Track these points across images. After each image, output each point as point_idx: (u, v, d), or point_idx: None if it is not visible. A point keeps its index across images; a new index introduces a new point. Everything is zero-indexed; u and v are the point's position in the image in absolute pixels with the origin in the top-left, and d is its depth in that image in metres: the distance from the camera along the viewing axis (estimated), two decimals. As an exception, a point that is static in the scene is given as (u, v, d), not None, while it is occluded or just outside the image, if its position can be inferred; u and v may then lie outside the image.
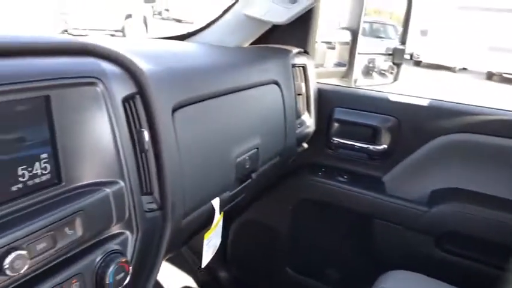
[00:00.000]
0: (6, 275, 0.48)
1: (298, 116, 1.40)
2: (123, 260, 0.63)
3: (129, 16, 10.08)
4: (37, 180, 0.56)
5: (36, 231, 0.52)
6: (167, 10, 19.97)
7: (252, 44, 1.40)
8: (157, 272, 0.78)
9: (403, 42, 1.92)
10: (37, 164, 0.55)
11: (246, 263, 1.86)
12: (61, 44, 0.61)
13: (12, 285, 0.51)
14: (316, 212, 1.64)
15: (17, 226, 0.50)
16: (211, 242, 1.03)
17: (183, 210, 0.84)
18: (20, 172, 0.53)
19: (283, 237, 1.71)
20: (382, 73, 1.94)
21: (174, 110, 0.80)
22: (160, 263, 0.79)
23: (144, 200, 0.72)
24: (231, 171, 1.00)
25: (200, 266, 1.07)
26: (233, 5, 1.32)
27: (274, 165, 1.26)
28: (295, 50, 1.41)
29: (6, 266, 0.47)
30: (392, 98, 1.49)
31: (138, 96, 0.72)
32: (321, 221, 1.65)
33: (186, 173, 0.82)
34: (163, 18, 19.30)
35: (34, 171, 0.55)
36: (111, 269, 0.61)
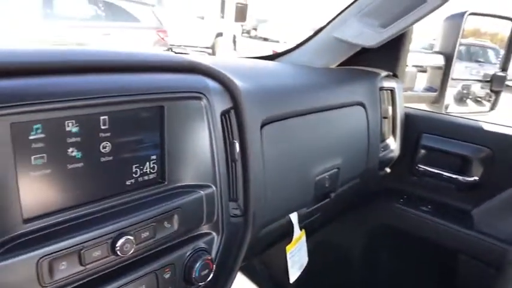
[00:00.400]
0: (117, 255, 0.56)
1: (383, 139, 1.38)
2: (209, 257, 0.69)
3: (219, 34, 10.71)
4: (146, 178, 0.65)
5: (142, 221, 0.60)
6: (255, 29, 20.82)
7: (339, 65, 1.43)
8: (235, 275, 0.84)
9: (504, 68, 1.79)
10: (147, 163, 0.64)
11: (314, 283, 1.85)
12: (174, 63, 0.70)
13: (120, 265, 0.60)
14: (394, 239, 1.58)
15: (128, 215, 0.59)
16: (294, 258, 1.06)
17: (262, 220, 0.88)
18: (134, 169, 0.63)
19: (357, 261, 1.67)
20: (477, 100, 1.82)
21: (263, 125, 0.85)
22: (238, 267, 0.85)
23: (230, 206, 0.78)
24: (310, 189, 1.02)
25: (270, 277, 1.10)
26: (324, 27, 1.36)
27: (354, 187, 1.26)
28: (384, 73, 1.40)
29: (118, 248, 0.56)
30: (487, 127, 1.39)
31: (232, 111, 0.79)
32: (399, 250, 1.59)
33: (269, 185, 0.87)
34: (250, 37, 20.15)
35: (144, 170, 0.64)
36: (198, 264, 0.68)
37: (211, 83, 0.74)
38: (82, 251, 0.53)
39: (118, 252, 0.56)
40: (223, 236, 0.75)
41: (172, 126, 0.66)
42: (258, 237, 0.90)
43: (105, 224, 0.56)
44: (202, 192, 0.69)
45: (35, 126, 0.50)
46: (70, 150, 0.54)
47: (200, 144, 0.70)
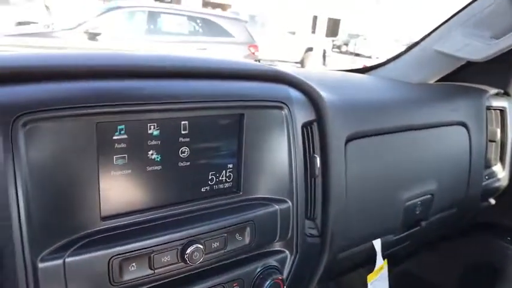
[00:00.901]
0: (186, 262, 0.55)
1: (488, 165, 1.21)
2: (280, 277, 0.65)
3: (309, 49, 10.74)
4: (221, 186, 0.63)
5: (214, 230, 0.58)
6: (346, 44, 20.47)
7: (438, 81, 1.29)
8: None
9: None
10: (224, 171, 0.63)
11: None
12: (259, 71, 0.69)
13: (188, 273, 0.58)
14: (494, 281, 1.37)
15: (200, 223, 0.58)
16: (376, 289, 0.97)
17: (341, 243, 0.82)
18: (210, 176, 0.62)
19: (447, 301, 1.47)
20: None
21: (348, 141, 0.79)
22: None
23: (306, 224, 0.73)
24: (398, 214, 0.93)
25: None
26: (422, 39, 1.25)
27: (449, 217, 1.11)
28: (493, 90, 1.23)
29: (187, 255, 0.55)
30: None
31: (315, 123, 0.74)
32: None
33: (351, 206, 0.80)
34: (341, 52, 19.85)
35: (220, 178, 0.63)
36: (267, 282, 0.64)
37: (294, 93, 0.71)
38: (152, 255, 0.53)
39: (187, 259, 0.55)
40: (297, 255, 0.71)
41: (250, 136, 0.63)
42: (335, 261, 0.83)
43: (177, 229, 0.55)
44: (277, 206, 0.66)
45: (119, 127, 0.51)
46: (150, 152, 0.55)
47: (278, 155, 0.67)
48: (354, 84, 1.08)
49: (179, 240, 0.55)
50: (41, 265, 0.46)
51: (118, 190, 0.53)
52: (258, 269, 0.65)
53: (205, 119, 0.59)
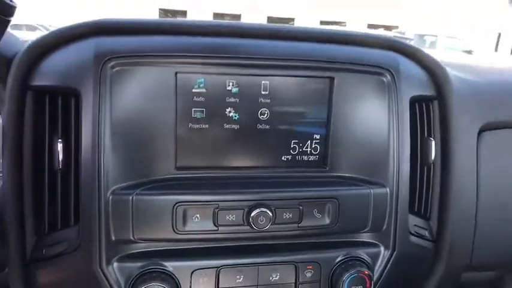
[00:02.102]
0: (251, 226, 0.52)
1: None
2: (366, 272, 0.55)
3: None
4: (304, 158, 0.58)
5: (286, 199, 0.53)
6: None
7: None
8: None
9: None
10: (309, 142, 0.57)
11: None
12: (368, 37, 0.61)
13: (256, 242, 0.55)
14: None
15: (271, 188, 0.54)
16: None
17: (467, 259, 0.65)
18: (292, 145, 0.57)
19: None
20: None
21: (482, 131, 0.63)
22: None
23: (411, 220, 0.60)
24: None
25: None
26: None
27: None
28: None
29: (252, 218, 0.51)
30: None
31: (435, 102, 0.62)
32: None
33: (484, 213, 0.63)
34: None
35: (304, 149, 0.57)
36: (348, 274, 0.54)
37: (404, 62, 0.60)
38: (217, 210, 0.51)
39: (252, 223, 0.51)
40: (393, 254, 0.59)
41: (342, 104, 0.56)
42: (454, 282, 0.67)
43: (246, 190, 0.53)
44: (370, 189, 0.56)
45: (198, 80, 0.53)
46: (228, 110, 0.54)
47: (376, 130, 0.57)
48: (500, 69, 0.87)
49: (246, 201, 0.52)
50: (112, 197, 0.49)
51: (194, 143, 0.54)
52: (340, 258, 0.56)
53: (289, 80, 0.55)
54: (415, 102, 0.60)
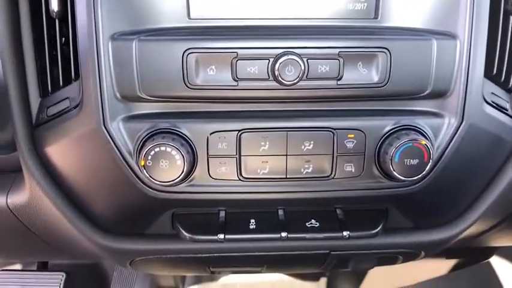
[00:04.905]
0: (277, 81, 0.42)
1: None
2: (423, 142, 0.43)
3: None
4: (349, 6, 0.45)
5: (323, 48, 0.42)
6: None
7: None
8: None
9: None
10: None
11: None
12: None
13: (283, 102, 0.45)
14: None
15: (306, 35, 0.43)
16: None
17: None
18: None
19: None
20: None
21: None
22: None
23: (487, 86, 0.47)
24: None
25: None
26: None
27: None
28: None
29: (278, 68, 0.41)
30: None
31: None
32: None
33: None
34: None
35: None
36: (400, 143, 0.43)
37: None
38: (235, 60, 0.42)
39: (278, 75, 0.41)
40: (462, 125, 0.46)
41: None
42: None
43: (271, 36, 0.43)
44: (433, 39, 0.43)
45: None
46: None
47: None
48: None
49: (271, 48, 0.42)
50: (111, 43, 0.42)
51: None
52: (389, 127, 0.45)
53: None
54: None
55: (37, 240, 0.58)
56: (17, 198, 0.52)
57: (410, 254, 0.57)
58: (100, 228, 0.51)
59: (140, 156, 0.43)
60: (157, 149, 0.42)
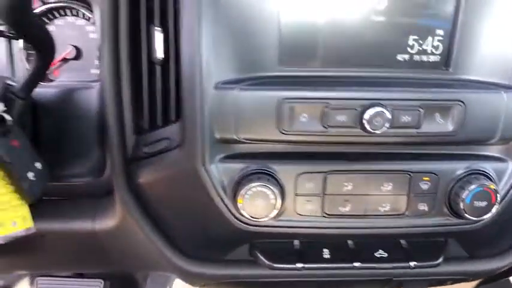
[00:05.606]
0: (364, 128, 0.46)
1: None
2: (491, 186, 0.48)
3: None
4: (424, 58, 0.50)
5: (406, 100, 0.47)
6: None
7: None
8: None
9: None
10: (430, 39, 0.49)
11: None
12: None
13: (366, 147, 0.50)
14: None
15: (390, 87, 0.47)
16: None
17: None
18: (411, 42, 0.49)
19: None
20: None
21: None
22: None
23: None
24: None
25: None
26: None
27: None
28: None
29: (367, 119, 0.45)
30: None
31: None
32: None
33: None
34: None
35: (424, 46, 0.49)
36: (472, 187, 0.48)
37: None
38: (325, 109, 0.46)
39: (366, 124, 0.46)
40: None
41: None
42: None
43: (359, 88, 0.47)
44: (503, 93, 0.48)
45: None
46: None
47: None
48: None
49: (360, 99, 0.46)
50: (215, 91, 0.46)
51: (298, 38, 0.48)
52: (462, 170, 0.50)
53: None
54: None
55: (106, 257, 0.61)
56: (105, 223, 0.55)
57: (461, 279, 0.62)
58: (184, 254, 0.55)
59: (237, 194, 0.47)
60: (254, 189, 0.46)
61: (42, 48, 0.49)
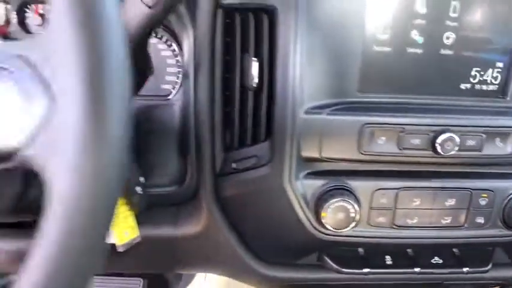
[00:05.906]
0: (435, 151, 0.52)
1: None
2: None
3: None
4: (484, 87, 0.56)
5: (471, 126, 0.53)
6: None
7: None
8: None
9: None
10: (490, 70, 0.55)
11: None
12: None
13: (435, 167, 0.55)
14: None
15: (456, 115, 0.53)
16: None
17: None
18: (473, 73, 0.55)
19: None
20: None
21: None
22: None
23: None
24: None
25: None
26: None
27: None
28: None
29: (438, 143, 0.51)
30: None
31: None
32: None
33: None
34: None
35: (485, 77, 0.55)
36: None
37: None
38: (401, 133, 0.52)
39: (437, 148, 0.52)
40: None
41: None
42: None
43: (431, 115, 0.53)
44: None
45: None
46: (413, 32, 0.53)
47: None
48: None
49: (432, 126, 0.52)
50: (304, 116, 0.51)
51: (377, 66, 0.53)
52: None
53: (479, 2, 0.52)
54: None
55: (184, 260, 0.66)
56: (188, 229, 0.61)
57: (501, 284, 0.69)
58: (261, 260, 0.61)
59: (320, 208, 0.52)
60: (337, 203, 0.52)
61: (142, 71, 0.54)
